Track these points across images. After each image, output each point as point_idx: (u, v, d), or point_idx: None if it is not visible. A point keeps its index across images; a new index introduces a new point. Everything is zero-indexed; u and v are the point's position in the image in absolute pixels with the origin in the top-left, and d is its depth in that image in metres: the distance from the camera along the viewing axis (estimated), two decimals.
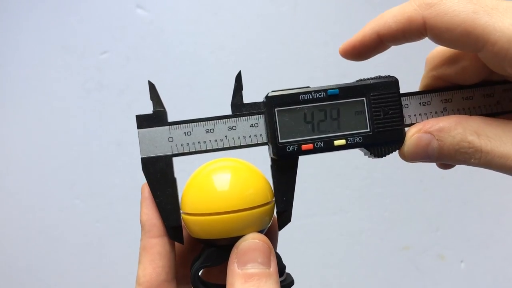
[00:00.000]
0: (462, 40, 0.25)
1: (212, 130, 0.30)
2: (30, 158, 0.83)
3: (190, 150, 0.30)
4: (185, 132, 0.30)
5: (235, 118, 0.30)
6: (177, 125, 0.30)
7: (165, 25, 0.83)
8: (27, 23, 0.84)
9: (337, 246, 0.82)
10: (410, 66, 0.68)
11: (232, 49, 0.83)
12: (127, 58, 0.83)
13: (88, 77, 0.83)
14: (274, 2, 0.84)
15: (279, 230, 0.29)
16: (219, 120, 0.30)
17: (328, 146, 0.28)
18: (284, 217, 0.29)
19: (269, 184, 0.29)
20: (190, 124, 0.30)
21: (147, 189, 0.30)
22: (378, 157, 0.29)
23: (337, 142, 0.28)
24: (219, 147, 0.30)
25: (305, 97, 0.29)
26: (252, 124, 0.29)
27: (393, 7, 0.27)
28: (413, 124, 0.28)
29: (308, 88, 0.29)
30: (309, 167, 0.79)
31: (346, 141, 0.28)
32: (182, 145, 0.30)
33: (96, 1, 0.84)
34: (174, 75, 0.82)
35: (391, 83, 0.29)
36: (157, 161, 0.30)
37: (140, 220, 0.30)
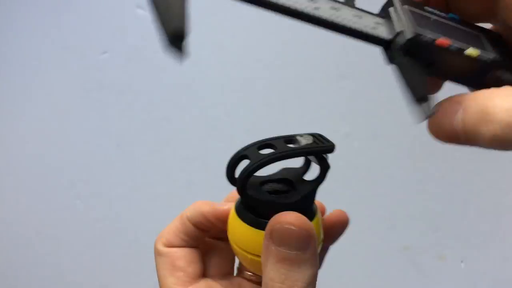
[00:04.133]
0: None
1: None
2: (30, 158, 0.83)
3: None
4: None
5: None
6: None
7: None
8: (27, 23, 0.83)
9: (337, 246, 0.82)
10: None
11: (232, 49, 0.83)
12: (127, 58, 0.83)
13: (88, 77, 0.83)
14: None
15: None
16: None
17: (459, 53, 0.25)
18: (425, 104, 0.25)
19: None
20: None
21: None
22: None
23: (468, 51, 0.25)
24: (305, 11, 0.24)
25: (430, 9, 0.27)
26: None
27: None
28: None
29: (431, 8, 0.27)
30: None
31: (478, 55, 0.25)
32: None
33: (96, 1, 0.84)
34: (174, 75, 0.82)
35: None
36: None
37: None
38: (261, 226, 0.25)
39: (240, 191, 0.25)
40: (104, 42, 0.83)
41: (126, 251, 0.83)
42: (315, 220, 0.27)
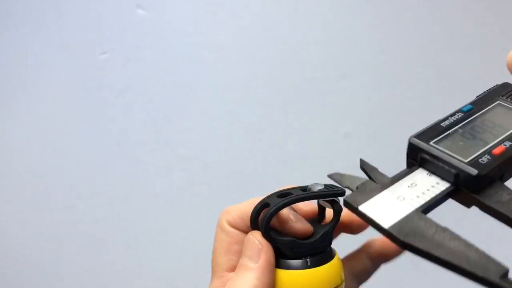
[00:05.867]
0: None
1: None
2: (30, 158, 0.83)
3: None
4: (408, 185, 0.26)
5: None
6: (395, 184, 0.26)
7: (165, 25, 0.83)
8: (27, 23, 0.83)
9: (337, 246, 0.82)
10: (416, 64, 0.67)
11: (232, 49, 0.83)
12: (127, 58, 0.83)
13: (88, 77, 0.83)
14: (274, 2, 0.84)
15: None
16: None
17: None
18: None
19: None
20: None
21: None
22: None
23: None
24: None
25: (447, 123, 0.26)
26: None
27: None
28: None
29: (442, 118, 0.27)
30: (309, 166, 0.79)
31: None
32: (418, 197, 0.25)
33: (96, 1, 0.84)
34: (174, 75, 0.82)
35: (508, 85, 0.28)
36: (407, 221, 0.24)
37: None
38: (287, 266, 0.28)
39: (264, 235, 0.27)
40: (104, 42, 0.83)
41: (126, 251, 0.83)
42: (333, 261, 0.29)
